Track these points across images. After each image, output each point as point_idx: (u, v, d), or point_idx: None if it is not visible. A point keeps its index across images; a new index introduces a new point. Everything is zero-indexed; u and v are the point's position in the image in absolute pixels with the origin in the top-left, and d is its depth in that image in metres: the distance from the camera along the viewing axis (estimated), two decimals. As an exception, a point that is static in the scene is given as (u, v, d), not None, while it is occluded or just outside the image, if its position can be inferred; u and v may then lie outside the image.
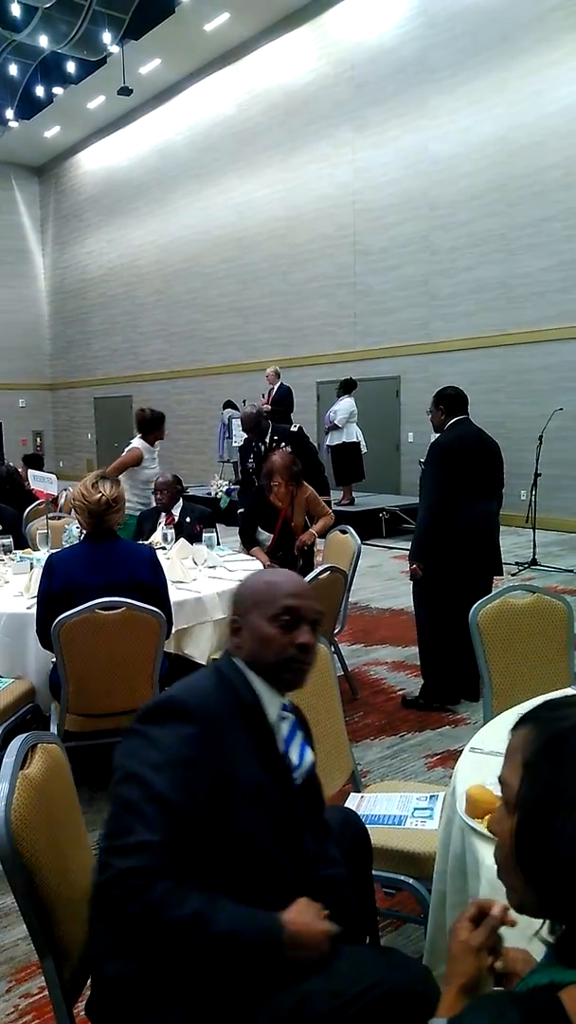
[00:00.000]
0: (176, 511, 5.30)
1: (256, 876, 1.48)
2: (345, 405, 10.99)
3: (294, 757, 1.63)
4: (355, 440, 10.96)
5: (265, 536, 5.09)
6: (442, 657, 4.46)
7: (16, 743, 1.57)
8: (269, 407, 11.26)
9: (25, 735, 1.62)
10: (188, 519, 5.20)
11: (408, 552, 4.56)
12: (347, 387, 11.18)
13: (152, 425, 6.04)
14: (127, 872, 1.34)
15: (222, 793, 1.45)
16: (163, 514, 5.30)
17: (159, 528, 5.12)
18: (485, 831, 1.59)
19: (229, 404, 13.74)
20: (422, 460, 4.69)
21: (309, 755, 1.68)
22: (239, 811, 1.47)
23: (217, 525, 5.42)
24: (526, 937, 1.09)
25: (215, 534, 4.91)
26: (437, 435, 4.58)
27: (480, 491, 4.47)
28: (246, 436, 6.62)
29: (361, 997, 1.38)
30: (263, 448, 6.20)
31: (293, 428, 6.43)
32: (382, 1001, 1.38)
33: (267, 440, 6.25)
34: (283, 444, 6.16)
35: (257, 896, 1.43)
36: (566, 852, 0.93)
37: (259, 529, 5.13)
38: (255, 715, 1.59)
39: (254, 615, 1.64)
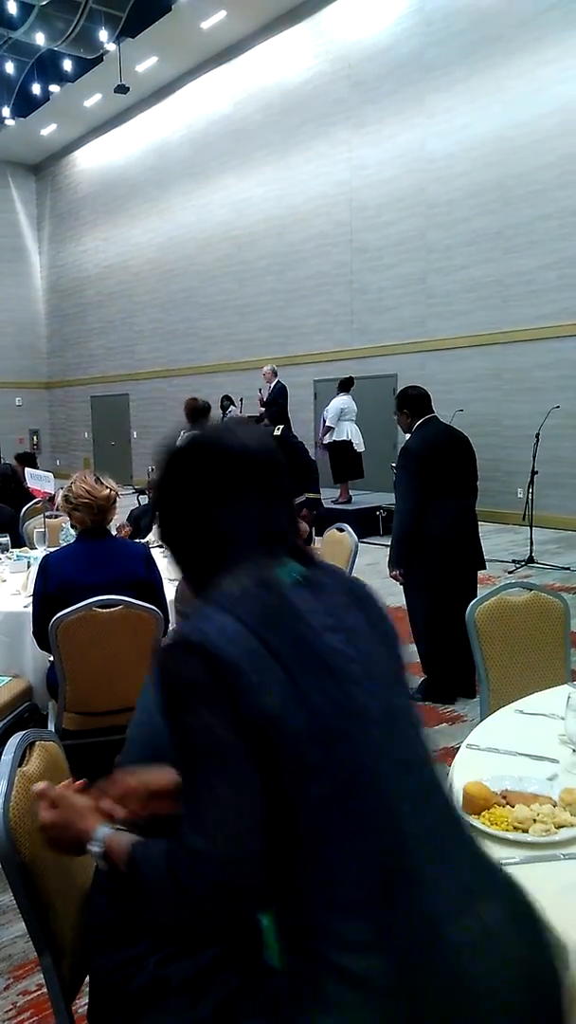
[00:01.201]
0: None
1: None
2: (336, 404, 10.99)
3: None
4: (346, 438, 10.95)
5: None
6: (438, 655, 4.47)
7: (14, 741, 1.57)
8: (262, 409, 11.26)
9: (23, 733, 1.62)
10: None
11: (391, 560, 4.57)
12: (344, 385, 11.18)
13: (203, 414, 6.07)
14: None
15: None
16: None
17: (155, 527, 5.12)
18: (482, 827, 1.60)
19: (227, 399, 13.72)
20: (394, 465, 4.65)
21: None
22: None
23: None
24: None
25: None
26: (407, 436, 4.56)
27: (453, 489, 4.44)
28: None
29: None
30: None
31: (276, 431, 6.30)
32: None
33: None
34: None
35: None
36: None
37: None
38: None
39: None
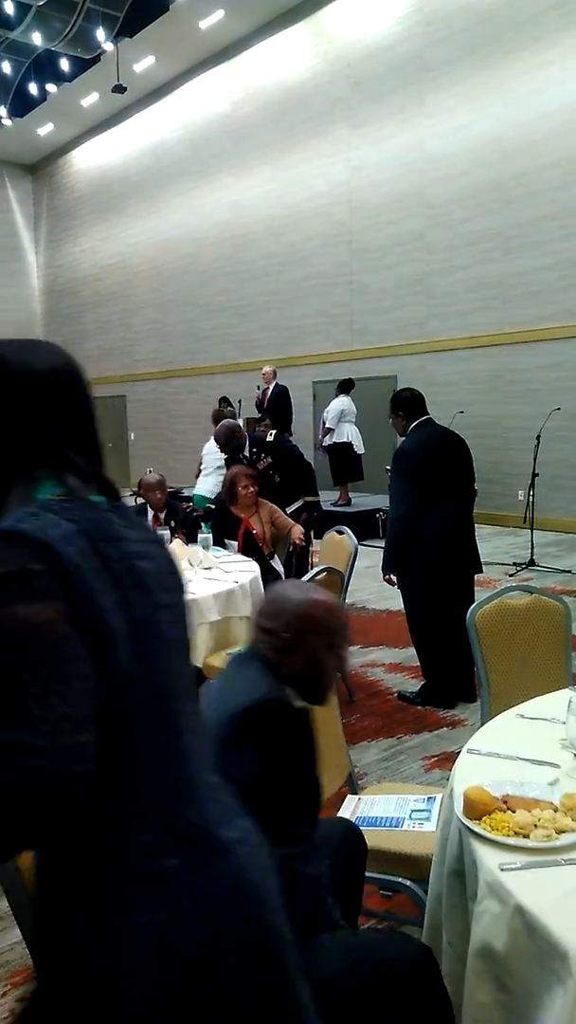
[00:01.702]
0: (161, 513, 5.27)
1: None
2: (336, 405, 10.98)
3: None
4: (347, 440, 10.94)
5: (231, 546, 5.10)
6: (437, 659, 4.46)
7: None
8: (259, 415, 11.21)
9: None
10: (173, 522, 5.18)
11: (384, 565, 4.56)
12: (343, 387, 11.18)
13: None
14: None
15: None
16: (151, 516, 5.26)
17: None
18: (483, 832, 1.59)
19: (225, 400, 13.70)
20: (388, 468, 4.63)
21: None
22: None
23: (204, 524, 5.38)
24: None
25: (209, 535, 4.89)
26: (402, 439, 4.52)
27: (449, 492, 4.40)
28: (225, 457, 6.32)
29: (370, 969, 1.49)
30: (244, 460, 6.09)
31: (268, 437, 6.25)
32: (386, 969, 1.49)
33: (246, 452, 6.11)
34: (262, 455, 6.07)
35: None
36: None
37: (225, 541, 5.12)
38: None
39: (318, 641, 1.69)
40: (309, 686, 1.69)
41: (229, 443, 6.11)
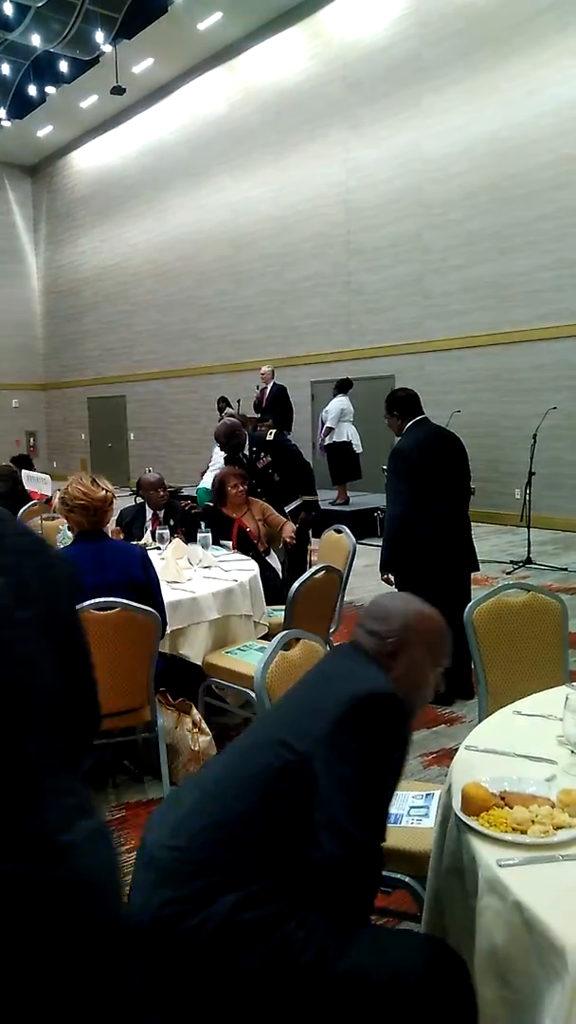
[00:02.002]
0: (160, 512, 5.29)
1: None
2: (336, 405, 11.00)
3: None
4: (346, 439, 10.96)
5: (226, 547, 5.12)
6: None
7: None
8: (257, 416, 11.22)
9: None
10: (172, 521, 5.19)
11: (383, 564, 4.55)
12: (342, 387, 11.19)
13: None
14: (360, 862, 1.55)
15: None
16: (149, 516, 5.28)
17: (147, 531, 5.12)
18: (481, 828, 1.60)
19: (224, 400, 13.71)
20: (384, 467, 4.63)
21: None
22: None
23: (203, 524, 5.39)
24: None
25: (209, 534, 4.91)
26: (398, 439, 4.53)
27: (445, 491, 4.41)
28: (224, 456, 6.35)
29: (403, 979, 1.49)
30: (244, 458, 6.11)
31: (268, 436, 6.26)
32: (418, 983, 1.49)
33: (246, 451, 6.11)
34: (262, 453, 6.08)
35: None
36: None
37: (220, 542, 5.14)
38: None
39: (421, 653, 1.74)
40: (406, 697, 1.69)
41: (229, 441, 6.11)
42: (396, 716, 1.57)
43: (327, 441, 11.03)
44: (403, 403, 4.51)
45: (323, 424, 11.15)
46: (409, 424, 4.47)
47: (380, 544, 4.56)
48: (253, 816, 1.60)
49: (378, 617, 1.78)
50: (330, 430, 10.95)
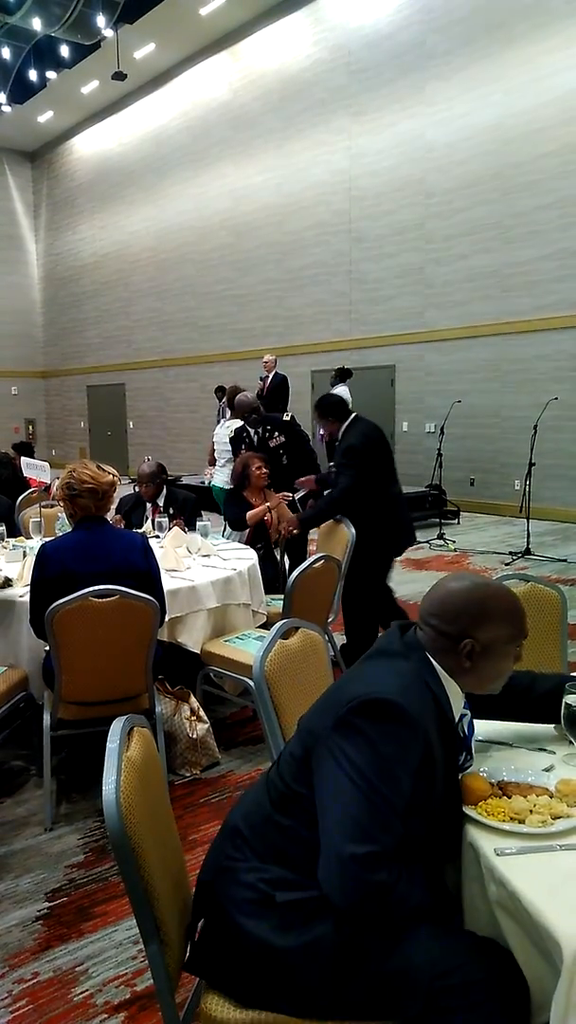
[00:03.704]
0: (160, 500, 5.28)
1: (418, 831, 1.58)
2: (343, 393, 10.96)
3: (470, 744, 1.75)
4: None
5: (243, 535, 5.15)
6: (363, 623, 4.78)
7: (117, 726, 1.59)
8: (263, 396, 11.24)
9: (123, 719, 1.62)
10: (172, 509, 5.19)
11: (324, 510, 4.82)
12: (343, 375, 11.16)
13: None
14: (373, 884, 1.44)
15: (423, 775, 1.54)
16: (149, 505, 5.27)
17: (147, 519, 5.12)
18: (479, 818, 1.60)
19: (221, 389, 13.69)
20: (332, 465, 4.97)
21: (471, 739, 1.78)
22: (428, 788, 1.57)
23: (203, 512, 5.41)
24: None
25: (208, 523, 4.90)
26: (339, 441, 4.81)
27: (389, 475, 4.81)
28: (237, 426, 6.58)
29: (465, 988, 1.44)
30: (255, 438, 6.19)
31: (286, 416, 6.40)
32: (480, 993, 1.44)
33: (259, 428, 6.22)
34: (276, 433, 6.15)
35: (414, 847, 1.57)
36: None
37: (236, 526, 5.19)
38: (447, 711, 1.65)
39: (496, 632, 1.65)
40: (482, 681, 1.68)
41: (248, 415, 6.35)
42: (392, 720, 1.51)
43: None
44: (337, 407, 4.83)
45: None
46: (347, 423, 4.78)
47: (401, 539, 4.82)
48: (286, 801, 1.64)
49: (440, 614, 1.67)
50: None
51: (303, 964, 1.51)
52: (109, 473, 3.21)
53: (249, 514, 5.10)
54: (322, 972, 1.50)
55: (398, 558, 5.02)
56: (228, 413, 12.33)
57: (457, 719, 1.68)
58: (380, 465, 4.71)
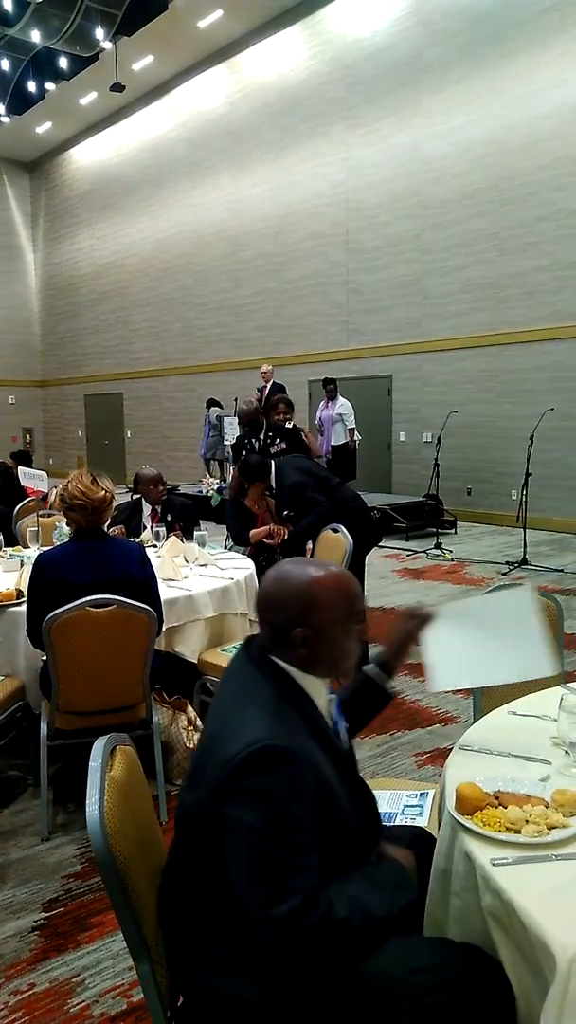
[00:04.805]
0: (159, 507, 5.28)
1: (338, 844, 1.56)
2: (348, 407, 10.99)
3: (341, 730, 1.76)
4: (344, 441, 10.99)
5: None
6: None
7: (99, 745, 1.56)
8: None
9: (106, 737, 1.60)
10: (170, 516, 5.20)
11: (302, 534, 5.05)
12: (335, 387, 11.17)
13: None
14: (313, 927, 1.39)
15: (320, 794, 1.52)
16: (147, 511, 5.27)
17: (145, 527, 5.11)
18: (475, 827, 1.60)
19: (213, 402, 13.74)
20: (287, 512, 5.19)
21: (343, 721, 1.78)
22: (329, 801, 1.55)
23: (201, 522, 5.41)
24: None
25: (206, 532, 4.91)
26: (277, 492, 5.09)
27: (343, 484, 5.13)
28: (239, 434, 6.64)
29: (441, 988, 1.44)
30: (257, 445, 6.22)
31: (288, 424, 6.43)
32: (461, 1000, 1.43)
33: (262, 436, 6.24)
34: (278, 440, 6.17)
35: (339, 860, 1.54)
36: None
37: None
38: (315, 717, 1.63)
39: (325, 615, 1.60)
40: (334, 668, 1.65)
41: (251, 423, 6.55)
42: (274, 766, 1.44)
43: (336, 441, 10.98)
44: (259, 467, 5.08)
45: (320, 424, 11.14)
46: (275, 472, 5.06)
47: (360, 540, 4.87)
48: (189, 883, 1.59)
49: (268, 608, 1.64)
50: (352, 430, 10.95)
51: (283, 1007, 1.49)
52: (103, 489, 3.19)
53: (252, 533, 5.10)
54: (305, 1008, 1.48)
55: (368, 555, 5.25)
56: (225, 423, 12.39)
57: (326, 712, 1.67)
58: (324, 479, 5.04)
